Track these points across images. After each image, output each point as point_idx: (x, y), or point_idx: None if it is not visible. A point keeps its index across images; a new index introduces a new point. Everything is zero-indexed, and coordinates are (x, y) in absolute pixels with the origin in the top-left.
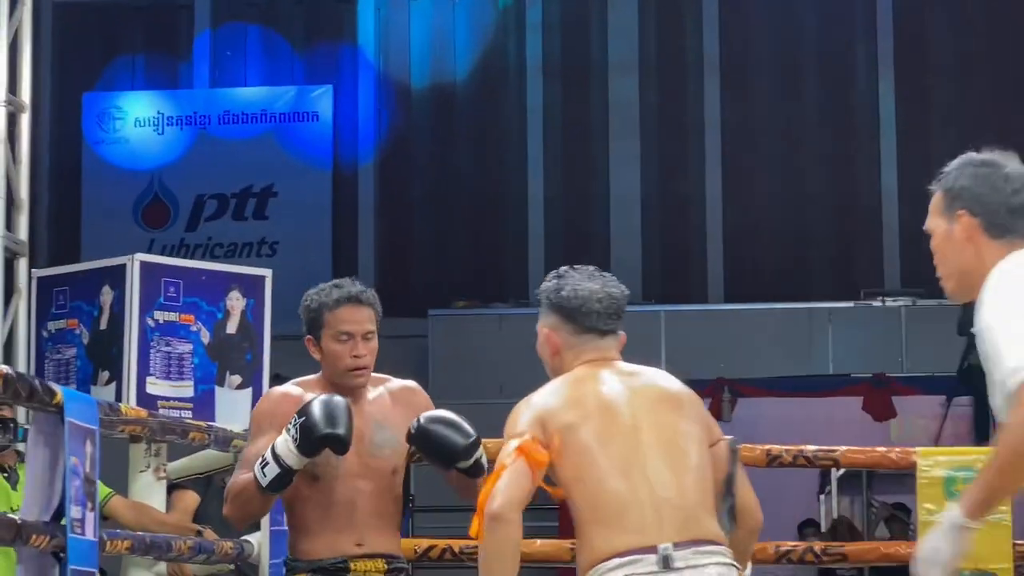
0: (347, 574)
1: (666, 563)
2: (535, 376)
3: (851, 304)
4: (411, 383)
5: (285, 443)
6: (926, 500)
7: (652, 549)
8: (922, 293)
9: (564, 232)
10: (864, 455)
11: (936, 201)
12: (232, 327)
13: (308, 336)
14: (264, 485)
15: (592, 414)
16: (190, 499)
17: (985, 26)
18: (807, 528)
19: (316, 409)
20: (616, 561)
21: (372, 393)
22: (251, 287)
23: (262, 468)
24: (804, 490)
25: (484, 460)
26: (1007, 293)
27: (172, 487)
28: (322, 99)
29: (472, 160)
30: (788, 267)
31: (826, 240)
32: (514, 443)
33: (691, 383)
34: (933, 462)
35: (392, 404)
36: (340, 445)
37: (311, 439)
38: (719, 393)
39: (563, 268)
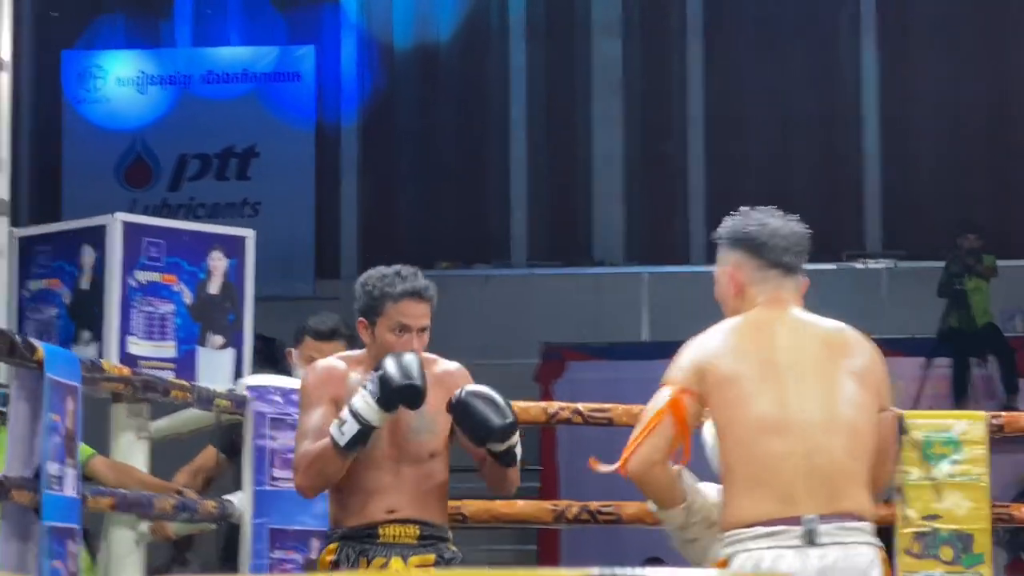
0: (376, 539)
1: (810, 537)
2: (518, 336)
3: (832, 266)
4: (454, 365)
5: (363, 399)
6: (905, 463)
7: (796, 520)
8: (903, 255)
9: (547, 193)
10: None
11: None
12: (214, 287)
13: (361, 319)
14: (343, 444)
15: (754, 367)
16: (209, 454)
17: None
18: None
19: (392, 364)
20: (760, 530)
21: None
22: (233, 247)
23: (340, 428)
24: None
25: (518, 450)
26: None
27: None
28: (305, 59)
29: (455, 121)
30: None
31: (808, 202)
32: (666, 395)
33: (675, 344)
34: (911, 425)
35: (434, 387)
36: (416, 396)
37: (389, 391)
38: None
39: (742, 208)
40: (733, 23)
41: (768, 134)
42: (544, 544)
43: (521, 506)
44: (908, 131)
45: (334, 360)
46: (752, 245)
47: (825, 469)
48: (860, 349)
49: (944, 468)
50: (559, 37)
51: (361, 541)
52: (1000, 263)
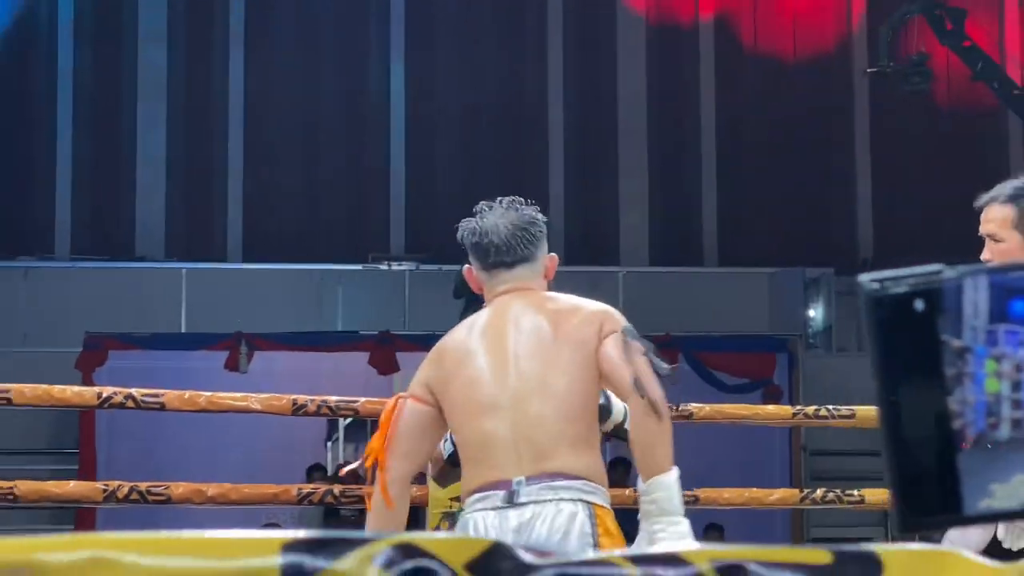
0: None
1: (511, 498)
2: (58, 327)
3: (359, 267)
4: None
5: None
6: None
7: (506, 484)
8: (424, 258)
9: (91, 189)
10: (383, 406)
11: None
12: None
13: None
14: None
15: (480, 356)
16: None
17: (491, 8)
18: (315, 472)
19: None
20: (475, 496)
21: None
22: None
23: None
24: (312, 437)
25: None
26: None
27: None
28: None
29: (0, 117)
30: (302, 230)
31: (338, 206)
32: (391, 402)
33: (210, 336)
34: None
35: None
36: None
37: None
38: (237, 346)
39: (483, 203)
40: (272, 34)
41: (303, 139)
42: (81, 524)
43: (72, 487)
44: (431, 142)
45: None
46: (471, 250)
47: (532, 437)
48: (574, 313)
49: None
50: (107, 42)
51: None
52: None
